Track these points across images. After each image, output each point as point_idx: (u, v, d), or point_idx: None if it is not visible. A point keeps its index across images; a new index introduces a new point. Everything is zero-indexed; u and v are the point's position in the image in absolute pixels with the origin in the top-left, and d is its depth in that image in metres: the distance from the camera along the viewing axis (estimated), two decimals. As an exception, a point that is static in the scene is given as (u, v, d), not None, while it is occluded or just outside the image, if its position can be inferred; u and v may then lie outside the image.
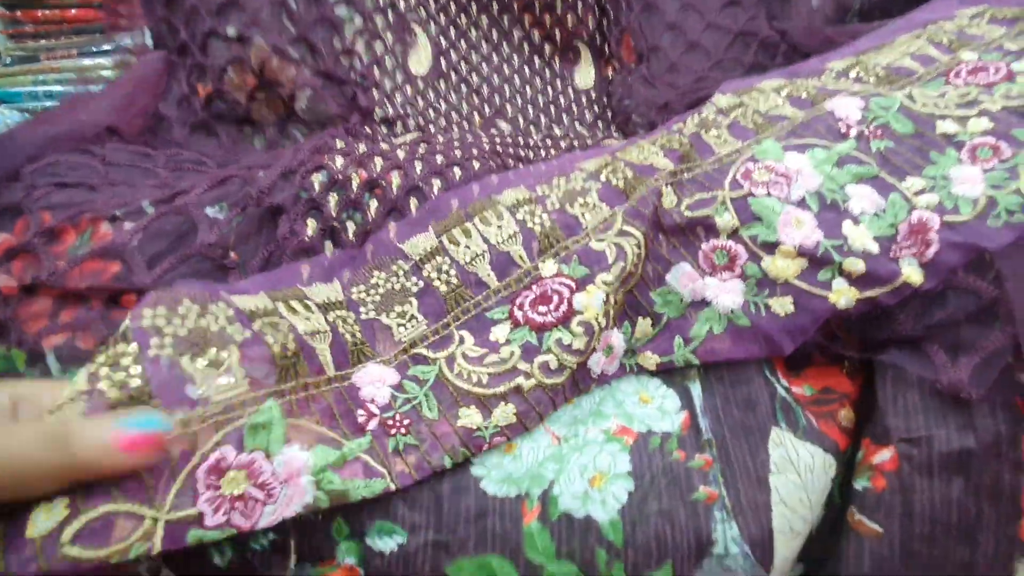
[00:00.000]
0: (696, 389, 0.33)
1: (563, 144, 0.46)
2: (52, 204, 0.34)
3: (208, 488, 0.25)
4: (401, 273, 0.33)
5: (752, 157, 0.36)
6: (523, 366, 0.31)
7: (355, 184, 0.35)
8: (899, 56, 0.42)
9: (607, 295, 0.32)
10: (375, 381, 0.30)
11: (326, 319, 0.31)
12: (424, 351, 0.32)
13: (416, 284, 0.33)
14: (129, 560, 0.24)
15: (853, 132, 0.37)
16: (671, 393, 0.33)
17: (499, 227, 0.34)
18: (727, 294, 0.33)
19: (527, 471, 0.29)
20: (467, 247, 0.34)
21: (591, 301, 0.32)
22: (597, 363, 0.32)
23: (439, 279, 0.33)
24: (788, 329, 0.33)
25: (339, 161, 0.36)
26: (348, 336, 0.31)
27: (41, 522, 0.23)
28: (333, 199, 0.35)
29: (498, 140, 0.43)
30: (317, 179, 0.35)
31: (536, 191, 0.36)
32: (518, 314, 0.32)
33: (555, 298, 0.33)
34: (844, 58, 0.43)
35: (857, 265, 0.32)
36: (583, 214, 0.35)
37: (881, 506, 0.32)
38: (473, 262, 0.34)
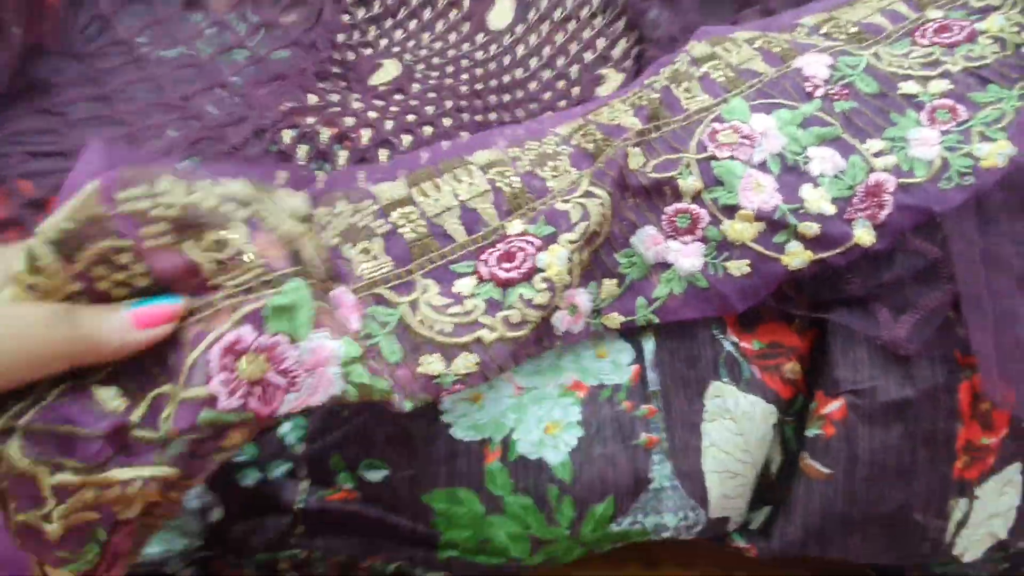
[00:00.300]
0: (649, 344, 0.36)
1: (550, 83, 0.46)
2: (30, 172, 0.36)
3: (223, 370, 0.24)
4: (368, 212, 0.34)
5: (719, 117, 0.37)
6: (486, 319, 0.32)
7: (324, 137, 0.37)
8: (870, 12, 0.43)
9: (570, 254, 0.33)
10: (345, 306, 0.30)
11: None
12: (386, 293, 0.32)
13: (382, 226, 0.34)
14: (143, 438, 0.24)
15: (819, 92, 0.38)
16: (626, 347, 0.36)
17: (470, 184, 0.36)
18: (687, 257, 0.35)
19: (490, 419, 0.33)
20: (436, 200, 0.35)
21: (554, 259, 0.33)
22: (561, 321, 0.34)
23: (406, 226, 0.34)
24: (742, 290, 0.35)
25: (309, 119, 0.38)
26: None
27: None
28: (302, 150, 0.37)
29: (479, 75, 0.44)
30: (287, 134, 0.38)
31: (508, 153, 0.37)
32: (483, 270, 0.33)
33: (520, 255, 0.34)
34: (816, 14, 0.44)
35: (812, 228, 0.35)
36: (551, 177, 0.36)
37: (829, 451, 0.36)
38: (441, 216, 0.35)
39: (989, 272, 0.35)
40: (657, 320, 0.35)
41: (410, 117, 0.40)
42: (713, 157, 0.36)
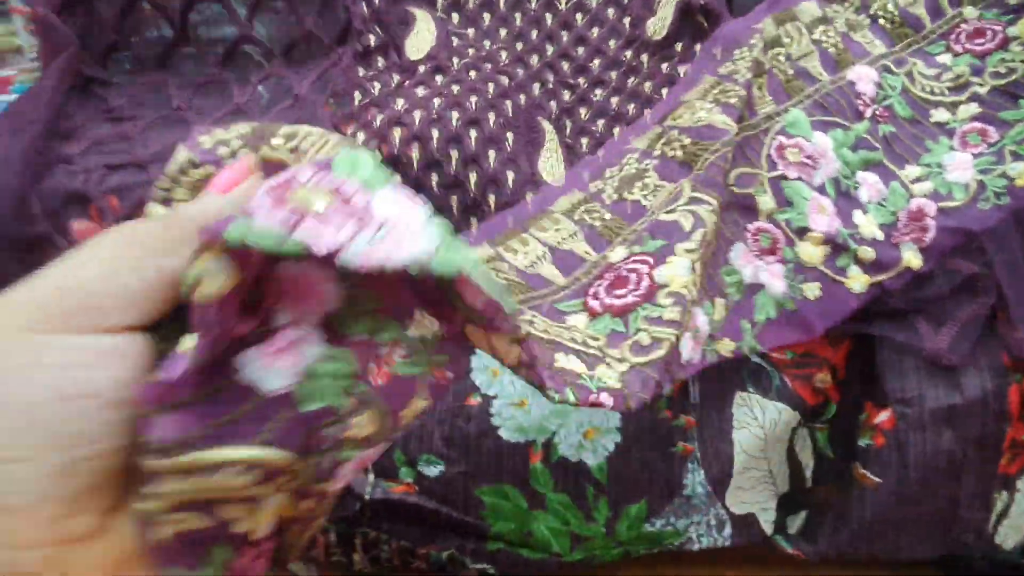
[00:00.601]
0: None
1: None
2: (112, 188, 0.39)
3: (267, 194, 0.18)
4: None
5: (784, 130, 0.38)
6: (611, 351, 0.29)
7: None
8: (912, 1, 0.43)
9: (692, 263, 0.31)
10: None
11: None
12: None
13: None
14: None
15: (868, 112, 0.40)
16: None
17: (556, 230, 0.35)
18: (775, 278, 0.36)
19: (535, 423, 0.37)
20: (525, 253, 0.34)
21: (675, 271, 0.31)
22: (686, 347, 0.31)
23: (498, 276, 0.33)
24: (822, 313, 0.36)
25: (360, 137, 0.41)
26: None
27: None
28: None
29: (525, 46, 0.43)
30: None
31: (589, 190, 0.37)
32: (594, 304, 0.32)
33: (632, 277, 0.32)
34: None
35: (869, 253, 0.36)
36: (643, 197, 0.36)
37: (880, 460, 0.38)
38: (534, 265, 0.34)
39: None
40: (760, 348, 0.35)
41: (454, 115, 0.41)
42: (784, 176, 0.37)
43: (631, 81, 0.44)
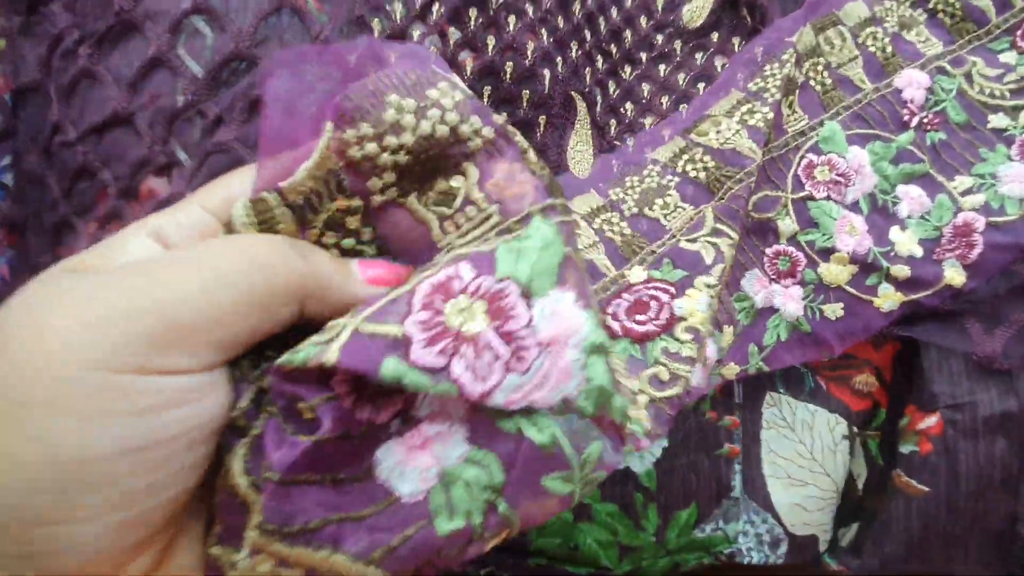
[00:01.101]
0: None
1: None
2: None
3: (424, 308, 0.19)
4: None
5: (815, 147, 0.38)
6: (631, 383, 0.30)
7: None
8: None
9: (711, 299, 0.33)
10: None
11: None
12: None
13: None
14: (297, 364, 0.19)
15: (914, 121, 0.39)
16: None
17: (577, 235, 0.35)
18: (792, 301, 0.36)
19: (577, 429, 0.36)
20: None
21: (696, 306, 0.32)
22: (696, 377, 0.32)
23: None
24: (840, 333, 0.36)
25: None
26: None
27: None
28: None
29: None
30: None
31: (610, 196, 0.37)
32: (613, 324, 0.32)
33: (653, 305, 0.33)
34: None
35: (903, 271, 0.36)
36: (664, 216, 0.36)
37: (927, 468, 0.37)
38: None
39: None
40: (767, 369, 0.36)
41: (487, 90, 0.39)
42: (810, 197, 0.37)
43: (663, 69, 0.43)
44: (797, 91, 0.39)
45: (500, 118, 0.23)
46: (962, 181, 0.38)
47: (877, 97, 0.40)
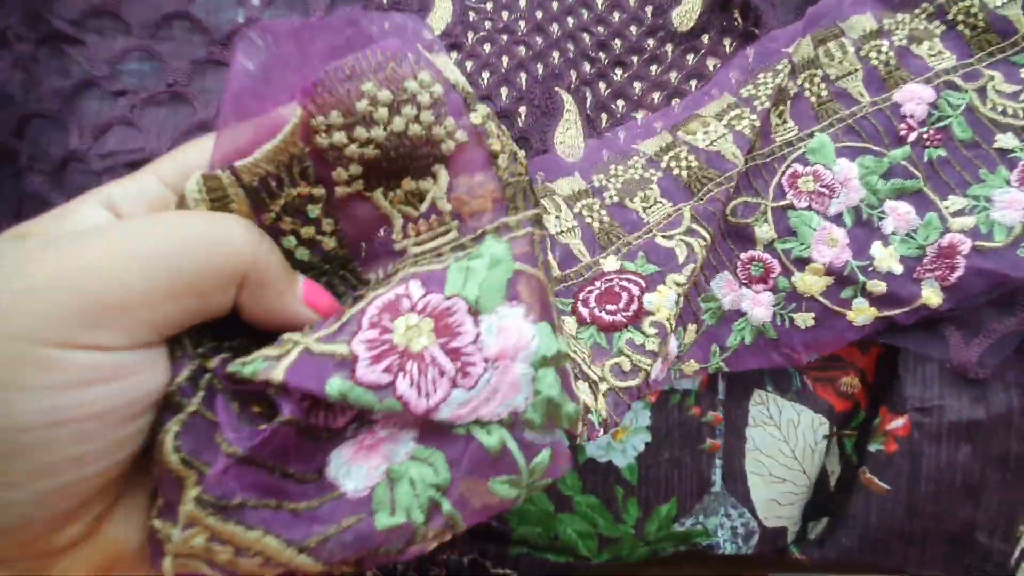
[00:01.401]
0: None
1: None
2: None
3: (372, 327, 0.20)
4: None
5: (803, 157, 0.39)
6: (594, 371, 0.31)
7: None
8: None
9: (678, 297, 0.33)
10: None
11: None
12: None
13: None
14: (246, 376, 0.20)
15: (912, 137, 0.39)
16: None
17: (557, 218, 0.36)
18: (760, 307, 0.37)
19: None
20: None
21: (663, 301, 0.33)
22: (655, 370, 0.33)
23: None
24: (807, 342, 0.37)
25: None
26: None
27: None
28: None
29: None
30: None
31: (593, 182, 0.38)
32: (583, 311, 0.33)
33: (624, 296, 0.33)
34: None
35: (879, 287, 0.37)
36: (643, 208, 0.37)
37: (891, 467, 0.39)
38: None
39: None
40: (727, 369, 0.37)
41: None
42: (791, 206, 0.37)
43: (654, 69, 0.44)
44: (789, 101, 0.40)
45: (478, 115, 0.23)
46: (955, 201, 0.38)
47: (874, 111, 0.39)
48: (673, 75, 0.44)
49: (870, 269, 0.37)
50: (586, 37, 0.44)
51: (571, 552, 0.37)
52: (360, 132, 0.21)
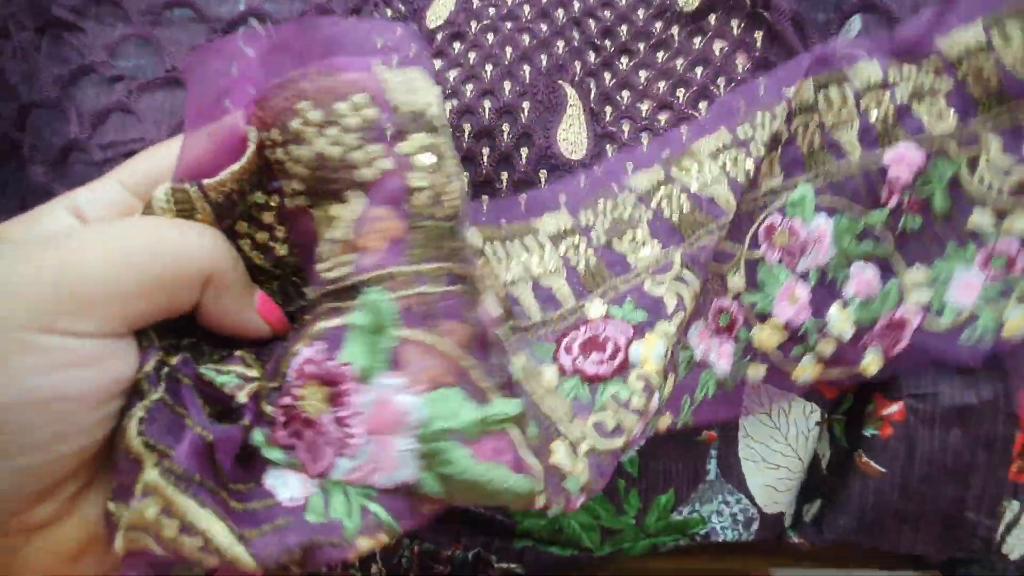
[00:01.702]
0: None
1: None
2: None
3: (286, 394, 0.21)
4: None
5: (783, 208, 0.38)
6: (574, 429, 0.30)
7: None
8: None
9: (667, 348, 0.32)
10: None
11: None
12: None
13: None
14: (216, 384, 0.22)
15: (893, 201, 0.37)
16: None
17: (540, 258, 0.36)
18: (724, 359, 0.37)
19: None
20: (507, 268, 0.35)
21: (651, 353, 0.32)
22: (638, 430, 0.32)
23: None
24: (757, 392, 0.39)
25: None
26: None
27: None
28: None
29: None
30: None
31: (579, 219, 0.37)
32: (565, 360, 0.32)
33: (609, 345, 0.32)
34: (969, 31, 0.37)
35: (829, 348, 0.37)
36: (631, 251, 0.36)
37: (887, 451, 0.41)
38: (515, 284, 0.35)
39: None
40: (692, 422, 0.37)
41: (469, 88, 0.42)
42: (763, 258, 0.37)
43: (661, 56, 0.44)
44: (780, 147, 0.38)
45: (411, 144, 0.22)
46: (917, 274, 0.38)
47: (861, 169, 0.38)
48: (679, 62, 0.44)
49: (824, 330, 0.37)
50: (591, 24, 0.44)
51: (575, 545, 0.39)
52: (292, 150, 0.22)
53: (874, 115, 0.38)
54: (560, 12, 0.44)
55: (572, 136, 0.42)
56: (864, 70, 0.38)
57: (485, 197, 0.40)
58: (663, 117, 0.42)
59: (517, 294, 0.35)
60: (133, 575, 0.22)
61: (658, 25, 0.45)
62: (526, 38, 0.44)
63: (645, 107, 0.43)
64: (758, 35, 0.42)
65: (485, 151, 0.41)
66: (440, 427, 0.21)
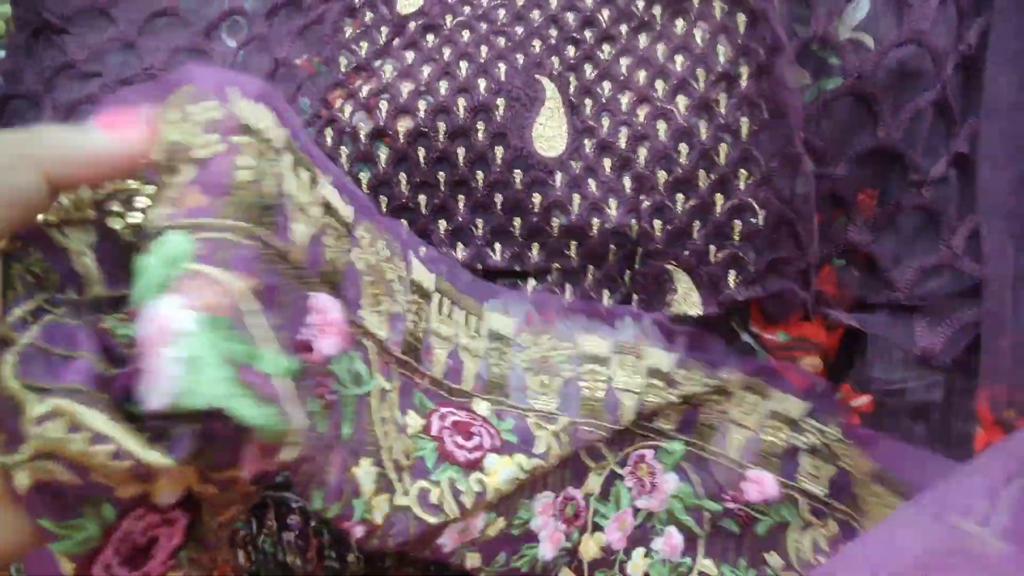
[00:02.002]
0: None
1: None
2: None
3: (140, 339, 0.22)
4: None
5: (657, 448, 0.42)
6: (403, 484, 0.33)
7: (364, 135, 0.41)
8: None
9: (515, 477, 0.36)
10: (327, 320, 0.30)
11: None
12: (372, 358, 0.33)
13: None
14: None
15: (731, 505, 0.42)
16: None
17: (471, 339, 0.39)
18: (551, 545, 0.40)
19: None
20: (441, 322, 0.38)
21: (502, 470, 0.36)
22: (447, 538, 0.35)
23: (409, 314, 0.36)
24: None
25: (347, 110, 0.42)
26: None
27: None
28: (344, 153, 0.42)
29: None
30: (328, 134, 0.42)
31: (518, 334, 0.40)
32: (435, 423, 0.36)
33: (475, 439, 0.36)
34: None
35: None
36: (535, 390, 0.40)
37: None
38: (439, 337, 0.38)
39: (1019, 289, 0.39)
40: None
41: (443, 85, 0.42)
42: (622, 478, 0.42)
43: (643, 39, 0.43)
44: (689, 404, 0.41)
45: (245, 141, 0.25)
46: (711, 566, 0.42)
47: (727, 465, 0.42)
48: (660, 48, 0.42)
49: (625, 565, 0.41)
50: (570, 18, 0.43)
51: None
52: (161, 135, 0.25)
53: (769, 438, 0.41)
54: (536, 13, 0.44)
55: (549, 131, 0.42)
56: (791, 404, 0.41)
57: (462, 197, 0.42)
58: (642, 112, 0.42)
59: (434, 346, 0.38)
60: (39, 518, 0.22)
61: (639, 4, 0.43)
62: (502, 40, 0.43)
63: (625, 100, 0.42)
64: (741, 19, 0.41)
65: (461, 151, 0.41)
66: (207, 341, 0.21)
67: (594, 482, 0.41)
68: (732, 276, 0.41)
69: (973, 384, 0.40)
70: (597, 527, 0.41)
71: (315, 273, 0.28)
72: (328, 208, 0.30)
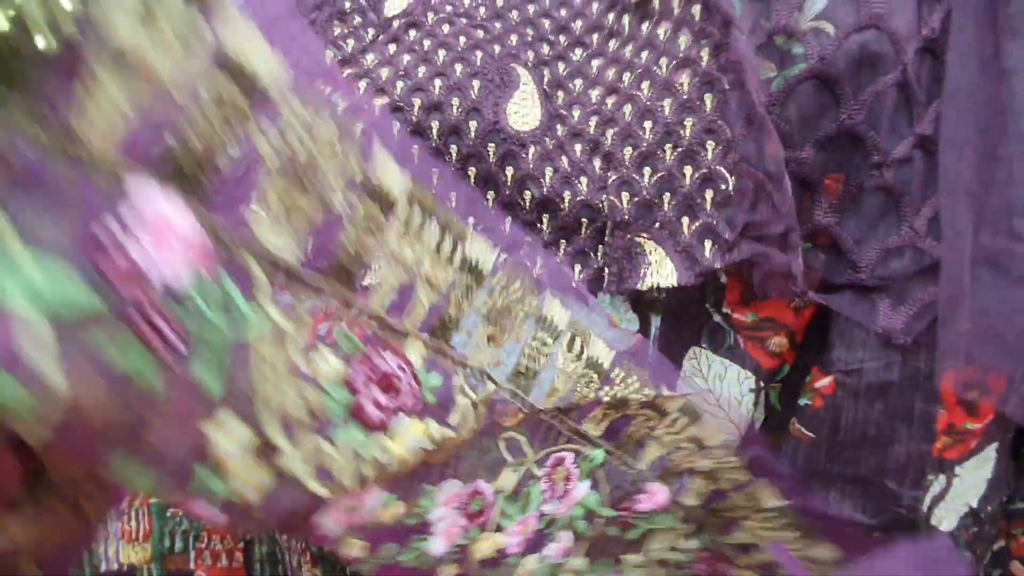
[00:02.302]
0: (656, 320, 0.44)
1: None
2: None
3: None
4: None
5: (578, 452, 0.41)
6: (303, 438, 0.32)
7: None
8: None
9: (417, 445, 0.35)
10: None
11: None
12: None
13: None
14: None
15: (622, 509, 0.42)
16: (634, 318, 0.44)
17: (438, 265, 0.36)
18: (442, 540, 0.39)
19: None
20: (406, 238, 0.35)
21: (409, 435, 0.34)
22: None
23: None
24: None
25: (327, 90, 0.42)
26: None
27: None
28: None
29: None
30: None
31: (494, 272, 0.37)
32: (357, 373, 0.33)
33: (394, 395, 0.34)
34: None
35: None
36: (476, 345, 0.38)
37: (816, 419, 0.44)
38: (398, 251, 0.35)
39: (977, 268, 0.40)
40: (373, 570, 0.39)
41: (422, 69, 0.44)
42: (537, 479, 0.41)
43: (613, 44, 0.45)
44: (617, 410, 0.41)
45: None
46: (581, 561, 0.43)
47: (633, 476, 0.42)
48: (628, 49, 0.45)
49: (513, 570, 0.41)
50: (546, 23, 0.46)
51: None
52: None
53: (677, 458, 0.42)
54: (515, 14, 0.46)
55: (524, 109, 0.44)
56: (713, 435, 0.42)
57: (435, 171, 0.42)
58: (611, 100, 0.44)
59: (382, 269, 0.34)
60: None
61: (611, 16, 0.46)
62: (480, 32, 0.46)
63: (596, 93, 0.45)
64: (696, 9, 0.42)
65: (435, 124, 0.43)
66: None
67: (508, 478, 0.40)
68: (708, 245, 0.42)
69: (935, 365, 0.41)
70: (498, 527, 0.40)
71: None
72: None
